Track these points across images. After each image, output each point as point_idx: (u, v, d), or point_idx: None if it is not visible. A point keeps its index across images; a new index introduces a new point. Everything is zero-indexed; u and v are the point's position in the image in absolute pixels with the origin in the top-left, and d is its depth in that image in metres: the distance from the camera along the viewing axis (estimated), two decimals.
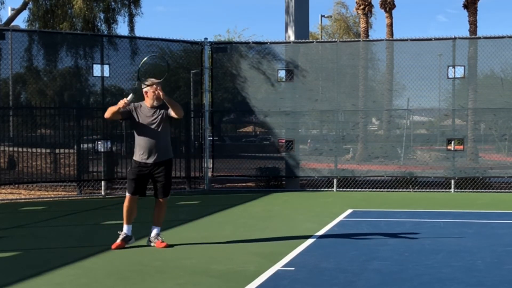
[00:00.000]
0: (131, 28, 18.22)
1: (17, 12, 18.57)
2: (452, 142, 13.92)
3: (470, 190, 13.79)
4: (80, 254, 7.12)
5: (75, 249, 7.49)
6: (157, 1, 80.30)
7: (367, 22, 22.66)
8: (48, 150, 13.46)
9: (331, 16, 44.51)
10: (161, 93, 7.31)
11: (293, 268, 6.39)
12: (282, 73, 14.83)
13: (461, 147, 13.98)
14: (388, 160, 14.57)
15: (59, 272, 6.30)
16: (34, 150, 13.25)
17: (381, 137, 15.39)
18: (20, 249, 7.50)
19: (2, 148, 13.35)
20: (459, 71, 13.92)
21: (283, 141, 14.62)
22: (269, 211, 11.02)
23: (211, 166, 14.73)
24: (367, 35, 22.33)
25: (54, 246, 7.72)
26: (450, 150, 13.93)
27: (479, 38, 14.43)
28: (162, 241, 7.46)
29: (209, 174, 14.67)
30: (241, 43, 17.57)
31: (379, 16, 53.96)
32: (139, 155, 7.42)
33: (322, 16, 43.65)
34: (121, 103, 7.26)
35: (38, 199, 12.85)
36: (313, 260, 6.78)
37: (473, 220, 9.88)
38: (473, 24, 18.42)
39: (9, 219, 10.22)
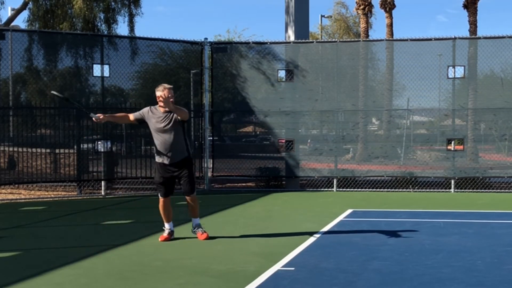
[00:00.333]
0: (131, 28, 18.24)
1: (17, 12, 18.58)
2: (452, 142, 13.92)
3: (470, 190, 13.80)
4: (80, 254, 7.12)
5: (75, 249, 7.49)
6: (157, 1, 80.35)
7: (367, 22, 22.66)
8: (48, 150, 13.47)
9: (331, 16, 44.51)
10: (166, 101, 7.70)
11: (293, 268, 6.39)
12: (282, 73, 14.83)
13: (461, 147, 13.98)
14: (388, 160, 14.57)
15: (59, 272, 6.31)
16: (34, 150, 13.25)
17: (381, 137, 15.39)
18: (20, 249, 7.50)
19: (2, 148, 13.36)
20: (459, 71, 13.93)
21: (283, 141, 14.62)
22: (269, 211, 11.02)
23: (211, 166, 14.73)
24: (367, 35, 22.34)
25: (54, 246, 7.72)
26: (450, 150, 13.93)
27: (479, 38, 14.43)
28: (203, 233, 7.98)
29: (209, 174, 14.68)
30: (241, 43, 17.57)
31: (379, 16, 53.99)
32: (158, 157, 7.86)
33: (322, 16, 43.66)
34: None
35: (38, 199, 12.85)
36: (313, 260, 6.78)
37: (473, 220, 9.88)
38: (473, 24, 18.43)
39: (9, 219, 10.22)
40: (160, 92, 7.81)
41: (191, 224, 8.17)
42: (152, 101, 14.83)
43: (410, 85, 14.33)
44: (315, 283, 5.83)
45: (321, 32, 43.92)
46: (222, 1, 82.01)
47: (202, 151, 14.60)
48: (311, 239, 7.96)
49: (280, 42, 15.03)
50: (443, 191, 13.94)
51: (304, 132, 15.72)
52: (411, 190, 13.98)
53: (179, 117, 7.74)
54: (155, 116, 7.83)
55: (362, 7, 22.38)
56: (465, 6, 18.70)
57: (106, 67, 13.43)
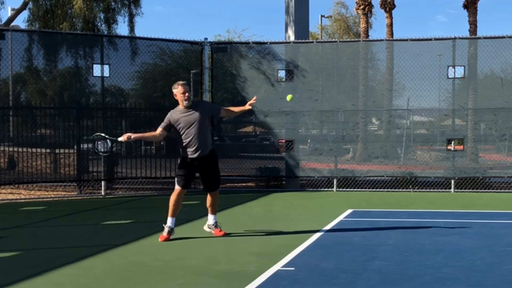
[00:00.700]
0: (131, 28, 18.23)
1: (17, 12, 18.57)
2: (452, 142, 13.92)
3: (470, 190, 13.80)
4: (80, 254, 7.12)
5: (75, 249, 7.49)
6: (157, 1, 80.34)
7: (367, 22, 22.66)
8: (48, 150, 13.46)
9: (331, 16, 44.50)
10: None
11: (293, 268, 6.39)
12: (282, 73, 14.82)
13: (461, 147, 13.98)
14: (388, 160, 14.57)
15: (59, 272, 6.31)
16: (34, 150, 13.25)
17: (381, 137, 15.39)
18: (20, 249, 7.50)
19: (2, 148, 13.35)
20: (459, 71, 13.92)
21: (283, 141, 14.62)
22: (269, 211, 11.02)
23: None
24: (367, 35, 22.34)
25: (54, 246, 7.72)
26: (450, 150, 13.93)
27: (479, 38, 14.42)
28: (221, 230, 8.24)
29: None
30: (241, 43, 17.58)
31: (379, 16, 53.97)
32: (187, 152, 7.99)
33: (322, 16, 43.67)
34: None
35: (38, 199, 12.85)
36: (313, 260, 6.78)
37: (473, 220, 9.88)
38: (473, 24, 18.43)
39: (9, 219, 10.22)
40: (176, 89, 8.02)
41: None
42: (152, 101, 14.80)
43: (410, 85, 14.33)
44: (315, 283, 5.83)
45: (321, 32, 43.93)
46: (222, 1, 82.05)
47: None
48: (311, 239, 7.96)
49: (280, 42, 15.03)
50: (443, 191, 13.94)
51: (304, 132, 15.71)
52: (411, 190, 13.98)
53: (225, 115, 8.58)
54: (180, 115, 7.99)
55: (362, 7, 22.38)
56: (465, 6, 18.71)
57: (106, 67, 13.43)
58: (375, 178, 14.36)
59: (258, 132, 16.83)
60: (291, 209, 11.17)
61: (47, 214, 10.92)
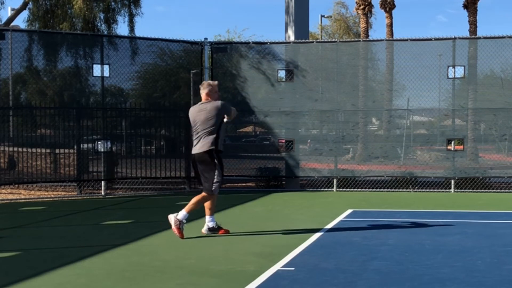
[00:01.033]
0: (131, 28, 18.24)
1: (17, 12, 18.57)
2: (452, 142, 13.92)
3: (470, 190, 13.79)
4: (80, 254, 7.12)
5: (75, 249, 7.49)
6: (157, 1, 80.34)
7: (367, 22, 22.68)
8: (48, 150, 13.46)
9: (331, 16, 44.51)
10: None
11: (293, 268, 6.39)
12: (282, 73, 14.82)
13: (461, 147, 13.98)
14: (388, 160, 14.57)
15: (58, 272, 6.30)
16: (34, 150, 13.25)
17: (381, 137, 15.39)
18: (20, 249, 7.50)
19: (2, 148, 13.35)
20: (459, 71, 13.92)
21: (283, 141, 14.62)
22: (269, 211, 11.02)
23: None
24: (367, 35, 22.35)
25: (54, 246, 7.71)
26: (450, 150, 13.93)
27: (479, 38, 14.42)
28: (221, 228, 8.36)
29: None
30: (241, 43, 17.57)
31: (379, 16, 54.02)
32: (221, 146, 8.21)
33: (322, 16, 43.68)
34: None
35: (38, 199, 12.85)
36: (313, 260, 6.78)
37: (473, 220, 9.88)
38: (473, 24, 18.44)
39: (9, 219, 10.22)
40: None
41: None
42: (152, 101, 14.82)
43: (410, 85, 14.33)
44: (315, 283, 5.83)
45: (321, 32, 43.93)
46: (222, 1, 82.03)
47: None
48: (311, 239, 7.95)
49: (280, 42, 15.02)
50: (443, 191, 13.93)
51: (304, 132, 15.71)
52: (411, 190, 13.98)
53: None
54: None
55: (362, 7, 22.40)
56: (465, 6, 18.72)
57: (106, 67, 13.43)
58: (375, 178, 14.36)
59: (258, 132, 16.83)
60: (291, 209, 11.17)
61: (47, 214, 10.92)
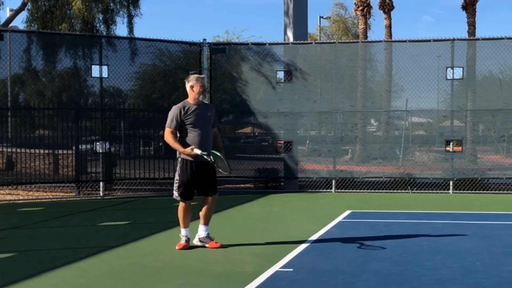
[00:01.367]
0: (130, 29, 18.25)
1: (16, 12, 18.56)
2: (451, 143, 13.93)
3: (469, 191, 13.80)
4: (79, 255, 7.11)
5: (74, 250, 7.48)
6: (157, 2, 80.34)
7: (365, 23, 22.67)
8: (46, 151, 13.46)
9: (330, 17, 44.50)
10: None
11: (291, 269, 6.39)
12: (280, 74, 14.81)
13: (460, 148, 13.99)
14: (387, 161, 14.57)
15: (57, 273, 6.30)
16: (32, 151, 13.24)
17: (380, 138, 15.40)
18: (18, 250, 7.49)
19: (0, 149, 13.34)
20: (458, 72, 13.93)
21: (282, 142, 14.62)
22: (267, 212, 11.02)
23: None
24: (365, 36, 22.35)
25: (52, 247, 7.70)
26: (448, 151, 13.94)
27: (478, 39, 14.43)
28: (216, 241, 7.54)
29: None
30: (240, 44, 17.55)
31: (377, 17, 54.05)
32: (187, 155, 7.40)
33: (321, 17, 43.67)
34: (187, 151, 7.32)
35: (36, 200, 12.84)
36: (311, 261, 6.77)
37: (471, 221, 9.88)
38: (471, 26, 18.44)
39: (7, 220, 10.20)
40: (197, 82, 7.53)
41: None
42: (150, 102, 14.80)
43: (408, 86, 14.34)
44: (314, 284, 5.82)
45: (320, 33, 43.94)
46: (221, 2, 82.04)
47: None
48: (310, 240, 7.95)
49: (279, 43, 15.03)
50: (441, 192, 13.94)
51: (303, 133, 15.71)
52: (410, 191, 13.98)
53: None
54: (191, 110, 7.40)
55: (360, 8, 22.39)
56: (464, 8, 18.71)
57: (104, 68, 13.42)
58: (374, 179, 14.36)
59: (256, 133, 16.83)
60: (290, 210, 11.17)
61: (45, 215, 10.91)
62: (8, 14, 22.26)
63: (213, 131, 7.59)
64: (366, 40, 20.31)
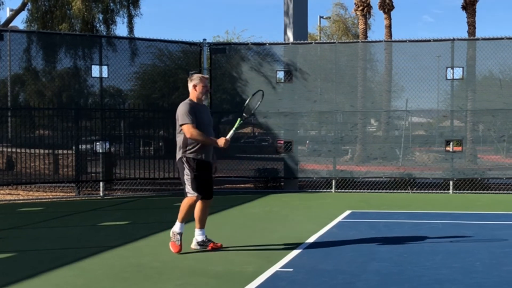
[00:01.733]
0: (130, 29, 18.26)
1: (16, 12, 18.56)
2: (451, 143, 13.93)
3: (469, 191, 13.80)
4: (78, 255, 7.11)
5: (73, 250, 7.47)
6: (157, 2, 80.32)
7: (365, 23, 22.67)
8: (46, 151, 13.46)
9: (330, 17, 44.51)
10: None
11: (291, 269, 6.39)
12: (281, 74, 14.81)
13: (460, 148, 13.99)
14: (387, 161, 14.57)
15: (57, 273, 6.30)
16: (32, 151, 13.24)
17: (380, 138, 15.40)
18: (18, 250, 7.49)
19: (0, 149, 13.34)
20: (458, 72, 13.93)
21: (282, 142, 14.62)
22: (267, 212, 11.02)
23: None
24: (365, 36, 22.35)
25: (52, 247, 7.70)
26: (448, 151, 13.94)
27: (478, 39, 14.43)
28: (215, 242, 7.39)
29: None
30: (240, 44, 17.53)
31: (377, 17, 54.02)
32: (198, 154, 7.21)
33: (321, 17, 43.69)
34: (222, 142, 7.17)
35: (36, 200, 12.84)
36: (311, 261, 6.77)
37: (471, 221, 9.88)
38: (471, 26, 18.44)
39: (7, 220, 10.20)
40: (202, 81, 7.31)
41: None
42: (150, 102, 14.78)
43: (408, 86, 14.34)
44: (314, 284, 5.82)
45: (320, 33, 43.95)
46: (221, 2, 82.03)
47: None
48: (310, 240, 7.95)
49: (279, 43, 15.03)
50: (441, 192, 13.94)
51: (303, 133, 15.71)
52: (410, 191, 13.98)
53: None
54: (196, 109, 7.21)
55: (360, 8, 22.40)
56: (464, 7, 18.72)
57: (104, 68, 13.43)
58: (374, 179, 14.36)
59: (256, 133, 16.82)
60: (290, 210, 11.17)
61: (45, 215, 10.91)
62: (8, 14, 22.29)
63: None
64: (366, 40, 20.31)
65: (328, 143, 14.66)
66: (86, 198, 13.21)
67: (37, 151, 13.30)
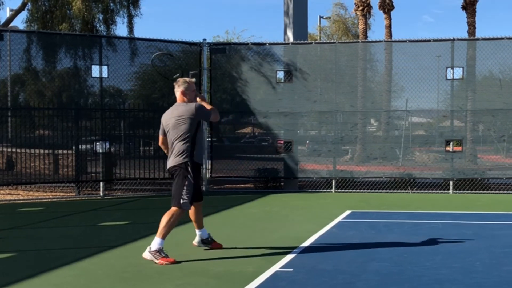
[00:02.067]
0: (130, 29, 18.27)
1: (16, 12, 18.57)
2: (451, 143, 13.93)
3: (469, 191, 13.80)
4: (78, 255, 7.11)
5: (73, 250, 7.48)
6: (157, 2, 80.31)
7: (365, 23, 22.67)
8: (46, 151, 13.46)
9: (330, 17, 44.51)
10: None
11: (291, 269, 6.39)
12: (281, 74, 14.82)
13: (460, 148, 14.00)
14: (387, 161, 14.57)
15: (57, 273, 6.30)
16: (32, 151, 13.25)
17: (380, 138, 15.40)
18: (18, 250, 7.49)
19: (0, 149, 13.34)
20: (458, 72, 13.93)
21: (282, 142, 14.62)
22: (267, 212, 11.02)
23: (209, 167, 14.72)
24: (365, 36, 22.35)
25: (52, 247, 7.70)
26: (448, 151, 13.94)
27: (478, 39, 14.43)
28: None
29: (208, 175, 14.66)
30: (240, 44, 17.55)
31: (377, 17, 53.99)
32: (198, 159, 7.05)
33: (321, 17, 43.70)
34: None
35: (36, 200, 12.84)
36: (311, 261, 6.77)
37: (471, 221, 9.88)
38: (471, 26, 18.44)
39: (7, 220, 10.20)
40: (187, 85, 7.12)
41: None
42: (150, 102, 14.79)
43: (408, 86, 14.34)
44: (314, 284, 5.82)
45: (320, 33, 43.95)
46: (221, 2, 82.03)
47: None
48: (310, 240, 7.95)
49: (279, 43, 15.03)
50: (441, 192, 13.94)
51: (303, 133, 15.72)
52: (410, 191, 13.98)
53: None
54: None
55: (360, 8, 22.40)
56: (464, 7, 18.71)
57: (104, 68, 13.43)
58: (374, 179, 14.36)
59: (256, 133, 16.83)
60: (290, 210, 11.17)
61: (45, 215, 10.91)
62: (8, 14, 22.29)
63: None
64: (366, 40, 20.31)
65: (328, 143, 14.67)
66: (86, 198, 13.21)
67: (37, 151, 13.31)
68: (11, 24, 18.88)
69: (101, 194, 13.35)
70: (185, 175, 6.86)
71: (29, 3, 17.72)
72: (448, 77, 13.94)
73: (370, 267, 6.47)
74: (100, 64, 13.42)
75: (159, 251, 6.70)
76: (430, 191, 14.00)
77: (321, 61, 14.94)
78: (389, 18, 21.98)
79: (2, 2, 17.63)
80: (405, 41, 14.24)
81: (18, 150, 13.23)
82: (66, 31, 16.71)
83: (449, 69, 13.93)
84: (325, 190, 14.27)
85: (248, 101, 14.82)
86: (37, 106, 13.41)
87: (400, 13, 60.55)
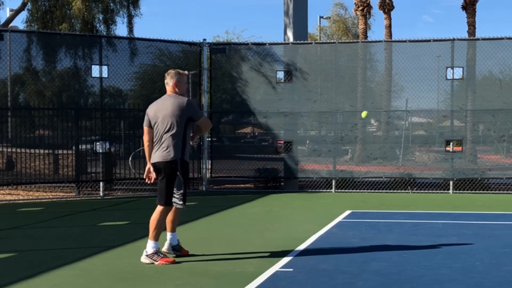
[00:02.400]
0: (130, 29, 18.26)
1: (16, 12, 18.56)
2: (451, 143, 13.93)
3: (469, 191, 13.80)
4: (78, 255, 7.11)
5: (73, 250, 7.47)
6: (156, 2, 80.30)
7: (365, 23, 22.67)
8: (46, 151, 13.46)
9: (330, 17, 44.50)
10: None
11: (291, 269, 6.39)
12: (280, 74, 14.82)
13: (460, 148, 14.00)
14: (387, 161, 14.57)
15: (57, 273, 6.30)
16: (32, 151, 13.24)
17: (380, 138, 15.40)
18: (18, 250, 7.49)
19: (0, 149, 13.34)
20: (458, 72, 13.93)
21: (282, 142, 14.62)
22: (267, 212, 11.01)
23: (209, 167, 14.72)
24: (365, 36, 22.35)
25: (52, 247, 7.70)
26: (448, 151, 13.94)
27: (478, 39, 14.43)
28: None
29: (208, 175, 14.67)
30: (240, 44, 17.54)
31: (377, 17, 53.97)
32: (188, 155, 6.87)
33: (321, 17, 43.69)
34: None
35: (36, 200, 12.84)
36: (311, 261, 6.77)
37: (471, 221, 9.88)
38: (471, 26, 18.43)
39: (7, 220, 10.20)
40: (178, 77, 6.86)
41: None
42: (150, 102, 14.83)
43: (408, 86, 14.34)
44: (314, 284, 5.82)
45: (320, 33, 43.95)
46: (221, 2, 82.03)
47: (201, 152, 14.59)
48: (310, 240, 7.95)
49: (279, 43, 15.03)
50: (441, 192, 13.94)
51: (303, 133, 15.72)
52: (410, 191, 13.98)
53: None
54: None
55: (360, 8, 22.39)
56: (464, 8, 18.71)
57: (104, 68, 13.43)
58: (374, 179, 14.36)
59: (256, 133, 16.83)
60: (290, 210, 11.17)
61: (45, 215, 10.91)
62: (8, 14, 22.28)
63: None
64: (366, 40, 20.31)
65: (328, 143, 14.66)
66: (86, 198, 13.21)
67: (37, 151, 13.30)
68: (11, 24, 18.88)
69: (101, 194, 13.35)
70: (174, 174, 6.67)
71: (29, 3, 17.72)
72: (448, 77, 13.95)
73: (370, 267, 6.47)
74: (100, 64, 13.42)
75: (156, 253, 6.66)
76: (430, 191, 14.00)
77: (321, 61, 14.94)
78: (389, 18, 21.97)
79: (2, 2, 17.64)
80: (405, 41, 14.24)
81: (18, 150, 13.23)
82: (66, 31, 16.70)
83: (449, 69, 13.93)
84: (325, 190, 14.27)
85: (248, 101, 14.82)
86: (37, 106, 13.41)
87: (400, 13, 60.58)
